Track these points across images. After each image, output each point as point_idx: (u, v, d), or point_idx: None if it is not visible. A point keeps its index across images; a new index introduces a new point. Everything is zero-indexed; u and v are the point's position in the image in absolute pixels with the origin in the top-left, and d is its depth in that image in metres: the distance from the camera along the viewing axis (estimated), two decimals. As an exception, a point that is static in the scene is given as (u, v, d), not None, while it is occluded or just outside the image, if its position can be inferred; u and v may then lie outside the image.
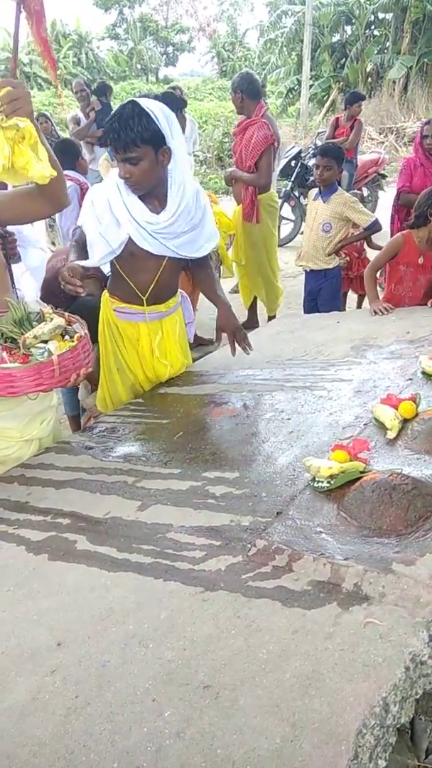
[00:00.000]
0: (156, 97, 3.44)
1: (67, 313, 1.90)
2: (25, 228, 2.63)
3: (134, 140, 1.81)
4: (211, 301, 2.38)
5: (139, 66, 26.80)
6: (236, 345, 2.31)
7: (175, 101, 3.77)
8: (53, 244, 4.69)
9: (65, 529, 1.45)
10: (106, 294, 2.28)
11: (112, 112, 1.90)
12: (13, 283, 2.46)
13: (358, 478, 1.34)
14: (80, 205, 3.97)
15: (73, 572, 1.29)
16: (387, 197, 5.26)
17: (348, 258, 4.10)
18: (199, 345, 3.76)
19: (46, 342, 1.70)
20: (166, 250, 2.06)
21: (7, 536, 1.47)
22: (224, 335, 2.35)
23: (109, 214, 2.00)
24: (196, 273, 2.40)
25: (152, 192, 1.99)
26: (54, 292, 2.75)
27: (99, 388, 2.42)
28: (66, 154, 3.70)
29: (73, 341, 1.74)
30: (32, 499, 1.62)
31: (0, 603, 1.24)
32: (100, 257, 2.05)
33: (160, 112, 1.86)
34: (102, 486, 1.63)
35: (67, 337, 1.77)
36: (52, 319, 1.76)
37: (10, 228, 2.41)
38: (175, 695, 0.95)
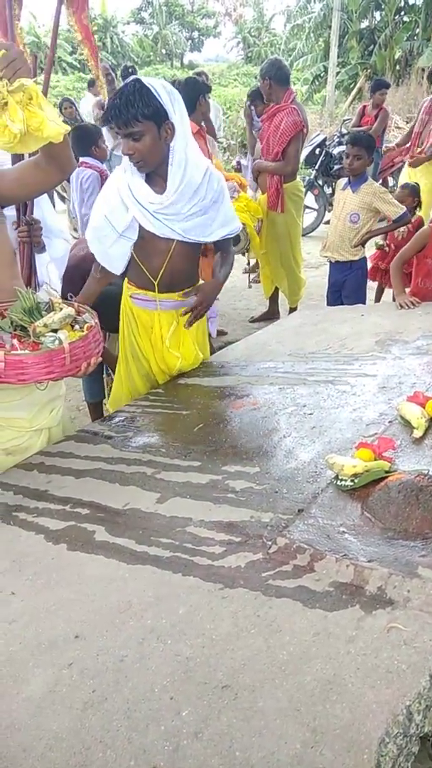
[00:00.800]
0: (179, 83, 3.40)
1: (77, 303, 1.89)
2: (49, 218, 2.61)
3: (135, 115, 1.81)
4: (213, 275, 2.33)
5: (164, 51, 26.61)
6: (191, 313, 2.17)
7: (198, 86, 3.71)
8: (75, 230, 4.67)
9: (84, 519, 1.44)
10: (126, 280, 2.28)
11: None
12: (36, 273, 2.46)
13: (383, 478, 1.31)
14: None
15: (91, 563, 1.29)
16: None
17: (388, 244, 4.05)
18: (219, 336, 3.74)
19: (55, 331, 1.69)
20: (172, 232, 2.03)
21: (27, 524, 1.46)
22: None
23: (116, 197, 2.02)
24: (216, 255, 2.35)
25: (157, 171, 1.97)
26: (75, 280, 2.74)
27: (115, 378, 2.40)
28: (81, 140, 3.60)
29: (83, 331, 1.73)
30: (52, 487, 1.61)
31: (19, 592, 1.24)
32: (109, 246, 2.07)
33: (162, 89, 1.85)
34: (121, 476, 1.62)
35: (77, 326, 1.76)
36: (61, 308, 1.75)
37: (35, 215, 2.40)
38: (193, 694, 0.94)
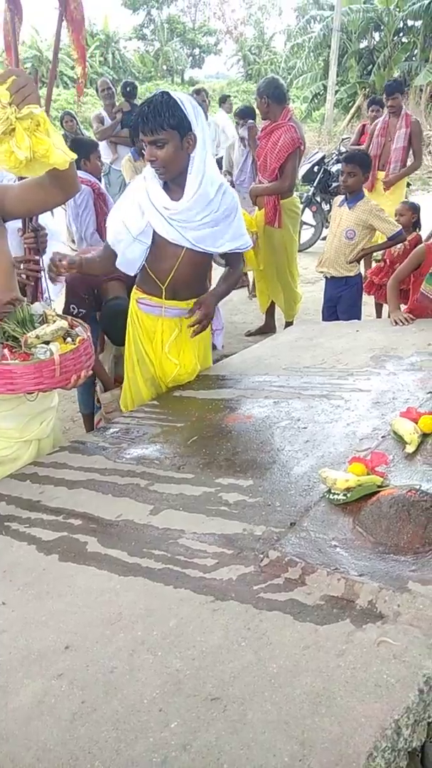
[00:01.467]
0: None
1: (70, 317, 1.91)
2: (49, 221, 2.64)
3: (161, 124, 1.91)
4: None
5: (165, 67, 26.93)
6: (193, 322, 2.22)
7: None
8: (73, 242, 4.70)
9: (76, 530, 1.45)
10: (135, 286, 2.35)
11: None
12: (42, 283, 2.46)
13: (375, 493, 1.32)
14: (94, 207, 3.97)
15: (83, 574, 1.29)
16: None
17: (384, 259, 4.09)
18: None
19: (47, 343, 1.71)
20: (183, 239, 2.10)
21: (19, 534, 1.47)
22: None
23: (134, 203, 2.11)
24: (225, 268, 2.40)
25: (176, 180, 2.06)
26: (78, 293, 2.76)
27: (124, 382, 2.46)
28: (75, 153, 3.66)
29: (75, 344, 1.74)
30: (44, 498, 1.62)
31: (10, 602, 1.23)
32: (124, 249, 2.15)
33: (188, 102, 1.96)
34: (114, 488, 1.62)
35: (69, 339, 1.78)
36: (55, 321, 1.77)
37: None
38: (182, 706, 0.94)
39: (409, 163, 5.41)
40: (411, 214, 4.18)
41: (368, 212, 3.46)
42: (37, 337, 1.68)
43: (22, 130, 1.49)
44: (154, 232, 2.11)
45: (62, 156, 1.55)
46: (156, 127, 1.91)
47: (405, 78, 16.53)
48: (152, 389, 2.36)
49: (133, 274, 2.26)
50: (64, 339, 1.76)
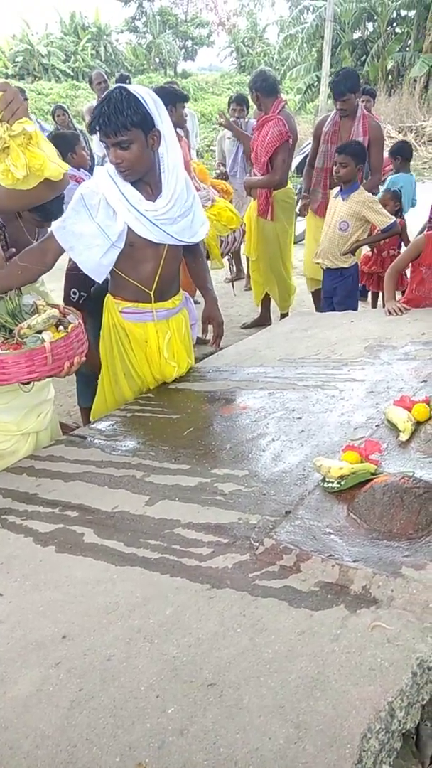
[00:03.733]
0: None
1: (61, 305, 1.90)
2: None
3: (124, 124, 1.80)
4: (200, 290, 2.45)
5: (157, 60, 26.76)
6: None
7: (170, 95, 3.72)
8: None
9: (73, 522, 1.45)
10: (109, 297, 2.22)
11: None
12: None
13: (369, 480, 1.33)
14: None
15: (80, 565, 1.29)
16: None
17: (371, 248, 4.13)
18: (199, 344, 3.74)
19: (40, 332, 1.71)
20: (167, 236, 2.04)
21: (16, 527, 1.47)
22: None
23: (104, 206, 1.96)
24: (189, 260, 2.38)
25: (144, 178, 1.97)
26: (79, 276, 2.74)
27: (99, 393, 2.34)
28: (58, 149, 3.66)
29: (67, 332, 1.74)
30: (41, 490, 1.62)
31: (7, 593, 1.24)
32: (100, 255, 1.97)
33: (148, 96, 1.86)
34: (110, 480, 1.63)
35: (61, 327, 1.78)
36: (45, 310, 1.77)
37: None
38: (179, 692, 0.95)
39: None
40: (393, 203, 4.19)
41: (361, 204, 3.46)
42: (29, 327, 1.68)
43: (16, 148, 1.51)
44: (130, 234, 1.99)
45: (57, 168, 1.57)
46: (119, 128, 1.80)
47: (399, 68, 16.51)
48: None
49: (100, 281, 2.13)
50: (57, 327, 1.76)
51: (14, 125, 1.49)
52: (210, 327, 2.44)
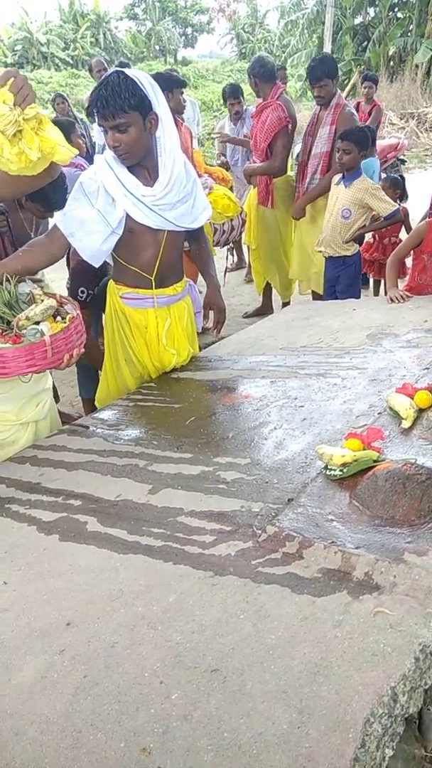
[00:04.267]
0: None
1: (59, 294, 1.89)
2: None
3: (122, 107, 1.80)
4: (202, 275, 2.41)
5: (157, 47, 26.54)
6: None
7: (167, 81, 3.68)
8: None
9: (76, 511, 1.46)
10: (111, 282, 2.23)
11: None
12: None
13: (371, 467, 1.33)
14: None
15: (83, 553, 1.30)
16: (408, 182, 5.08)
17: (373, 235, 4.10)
18: (203, 333, 3.73)
19: (38, 323, 1.70)
20: (166, 222, 2.03)
21: (19, 516, 1.48)
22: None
23: (103, 193, 1.95)
24: (192, 246, 2.36)
25: (141, 163, 1.96)
26: (87, 275, 2.73)
27: (102, 380, 2.36)
28: None
29: (65, 322, 1.73)
30: (44, 480, 1.63)
31: (11, 582, 1.25)
32: (101, 242, 1.97)
33: (145, 79, 1.87)
34: (113, 469, 1.63)
35: (59, 318, 1.77)
36: (42, 300, 1.76)
37: None
38: (183, 678, 0.95)
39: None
40: (393, 192, 4.16)
41: (364, 191, 3.43)
42: (27, 318, 1.67)
43: (30, 131, 1.55)
44: (129, 221, 1.99)
45: (66, 152, 1.61)
46: (117, 111, 1.80)
47: (401, 54, 16.33)
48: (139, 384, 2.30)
49: (97, 266, 2.13)
50: (54, 318, 1.76)
51: (26, 109, 1.53)
52: (211, 313, 2.42)
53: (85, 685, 0.98)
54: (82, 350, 1.77)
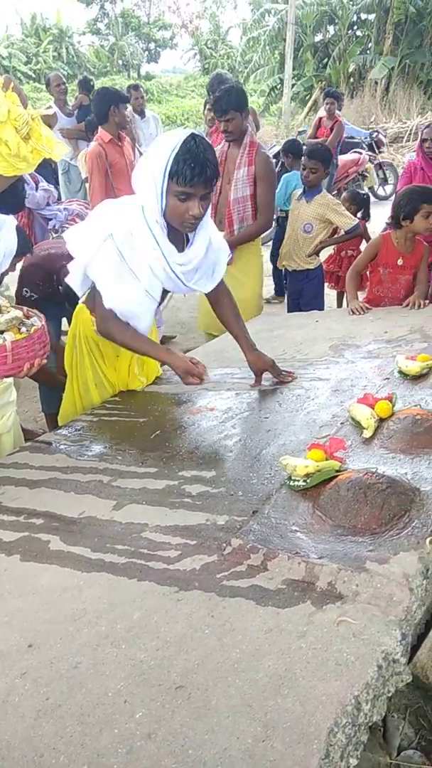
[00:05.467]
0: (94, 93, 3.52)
1: (25, 307, 1.88)
2: None
3: (213, 177, 1.73)
4: (231, 334, 2.19)
5: (120, 62, 26.65)
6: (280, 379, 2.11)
7: (110, 96, 3.63)
8: None
9: (38, 530, 1.43)
10: (85, 313, 2.12)
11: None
12: None
13: (334, 477, 1.34)
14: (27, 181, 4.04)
15: (45, 573, 1.28)
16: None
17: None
18: (163, 343, 3.72)
19: (2, 332, 1.70)
20: (184, 288, 1.94)
21: (-20, 536, 1.44)
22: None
23: (146, 267, 1.84)
24: (212, 300, 2.15)
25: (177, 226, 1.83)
26: (33, 280, 2.74)
27: (66, 401, 2.29)
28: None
29: (28, 333, 1.73)
30: (5, 498, 1.60)
31: (-29, 604, 1.22)
32: (150, 318, 1.92)
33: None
34: (77, 485, 1.61)
35: (24, 329, 1.76)
36: (9, 311, 1.75)
37: None
38: (147, 696, 0.94)
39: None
40: (352, 206, 4.25)
41: (325, 206, 3.50)
42: None
43: (37, 129, 1.65)
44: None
45: (63, 147, 1.78)
46: (210, 181, 1.72)
47: (360, 71, 16.76)
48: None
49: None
50: (19, 329, 1.75)
51: (28, 110, 1.64)
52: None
53: (47, 708, 0.96)
54: (44, 361, 1.76)
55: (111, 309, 1.87)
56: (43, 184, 4.16)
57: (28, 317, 1.81)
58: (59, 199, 4.70)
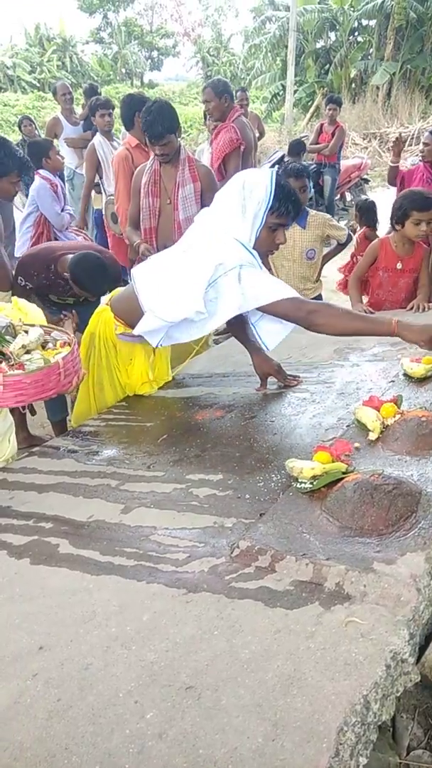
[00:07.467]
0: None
1: (38, 324, 1.92)
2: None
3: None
4: (237, 338, 2.27)
5: (123, 70, 26.82)
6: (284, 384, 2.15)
7: (135, 103, 3.80)
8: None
9: (48, 533, 1.44)
10: (108, 314, 2.20)
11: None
12: None
13: (341, 479, 1.35)
14: (59, 200, 4.12)
15: (55, 576, 1.29)
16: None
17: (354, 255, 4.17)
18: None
19: (29, 352, 1.71)
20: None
21: (-11, 540, 1.46)
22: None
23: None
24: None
25: None
26: (28, 271, 2.79)
27: (80, 400, 2.34)
28: (34, 156, 3.95)
29: (56, 349, 1.75)
30: (14, 503, 1.61)
31: (-19, 607, 1.23)
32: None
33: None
34: (85, 489, 1.62)
35: (49, 345, 1.78)
36: (26, 331, 1.77)
37: None
38: (158, 696, 0.95)
39: None
40: (361, 215, 4.28)
41: (322, 225, 3.31)
42: (23, 346, 1.68)
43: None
44: None
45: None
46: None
47: (362, 76, 16.81)
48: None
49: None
50: (43, 346, 1.77)
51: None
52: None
53: (59, 709, 0.97)
54: (83, 372, 1.78)
55: (302, 299, 1.91)
56: (69, 208, 4.25)
57: (47, 333, 1.83)
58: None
